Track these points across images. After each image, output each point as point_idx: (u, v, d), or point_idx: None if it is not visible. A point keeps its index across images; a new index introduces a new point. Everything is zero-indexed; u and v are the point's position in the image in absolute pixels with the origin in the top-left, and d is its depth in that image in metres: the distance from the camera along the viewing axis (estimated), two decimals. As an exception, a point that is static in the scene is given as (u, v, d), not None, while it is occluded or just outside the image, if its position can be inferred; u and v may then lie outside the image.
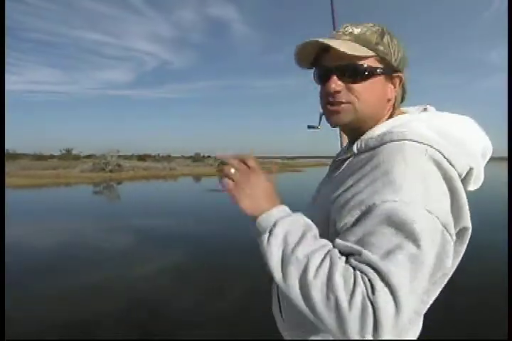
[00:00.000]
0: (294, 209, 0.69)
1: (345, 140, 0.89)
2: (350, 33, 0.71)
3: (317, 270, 0.53)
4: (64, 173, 21.89)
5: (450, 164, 0.62)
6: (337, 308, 0.50)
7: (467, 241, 0.70)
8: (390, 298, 0.49)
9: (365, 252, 0.53)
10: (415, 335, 0.75)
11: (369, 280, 0.50)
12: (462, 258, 0.74)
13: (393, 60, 0.72)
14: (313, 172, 28.02)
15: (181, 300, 3.47)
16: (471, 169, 0.66)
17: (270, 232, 0.61)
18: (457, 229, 0.64)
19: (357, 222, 0.58)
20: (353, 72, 0.70)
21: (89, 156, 42.42)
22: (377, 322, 0.49)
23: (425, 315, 0.77)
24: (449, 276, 0.73)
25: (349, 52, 0.66)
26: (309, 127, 0.89)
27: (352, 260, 0.54)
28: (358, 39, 0.70)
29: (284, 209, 0.66)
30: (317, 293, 0.52)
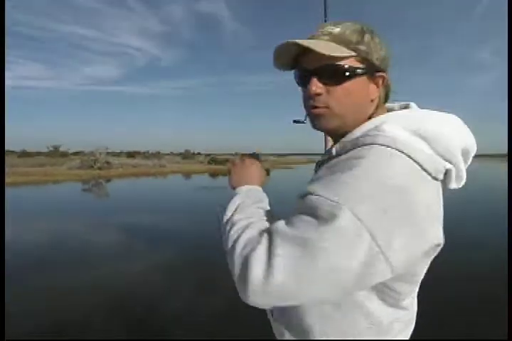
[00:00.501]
0: (286, 204, 0.72)
1: (330, 141, 0.88)
2: (330, 33, 0.68)
3: (239, 229, 0.64)
4: (51, 171, 21.59)
5: (422, 168, 0.59)
6: (231, 256, 0.60)
7: (433, 257, 0.66)
8: (264, 260, 0.53)
9: (278, 222, 0.59)
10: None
11: (259, 240, 0.57)
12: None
13: (375, 59, 0.69)
14: (304, 169, 28.12)
15: (172, 297, 3.46)
16: (448, 170, 0.64)
17: (231, 199, 0.78)
18: (424, 247, 0.58)
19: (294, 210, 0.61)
20: (333, 73, 0.68)
21: (77, 153, 41.99)
22: (248, 276, 0.53)
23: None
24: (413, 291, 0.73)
25: (327, 53, 0.64)
26: (295, 121, 0.88)
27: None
28: (337, 39, 0.68)
29: (253, 187, 0.81)
30: (228, 244, 0.63)
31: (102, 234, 6.43)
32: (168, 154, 59.61)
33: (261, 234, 0.59)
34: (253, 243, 0.57)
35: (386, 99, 0.76)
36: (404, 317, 0.72)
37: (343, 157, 0.64)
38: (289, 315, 0.73)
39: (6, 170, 20.07)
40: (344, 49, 0.67)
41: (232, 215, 0.72)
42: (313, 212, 0.55)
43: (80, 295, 3.46)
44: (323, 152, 0.95)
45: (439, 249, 0.63)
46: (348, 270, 0.52)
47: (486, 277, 3.90)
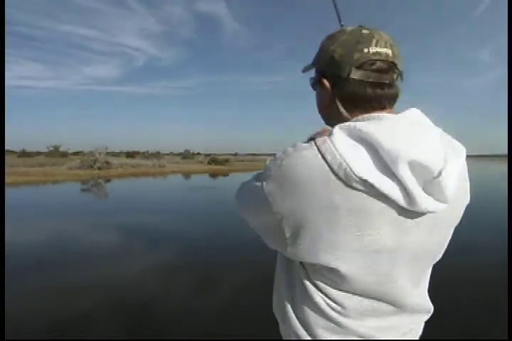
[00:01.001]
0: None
1: None
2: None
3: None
4: (51, 170, 21.57)
5: (332, 171, 0.60)
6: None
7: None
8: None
9: None
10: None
11: None
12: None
13: (322, 65, 0.74)
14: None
15: (171, 297, 3.44)
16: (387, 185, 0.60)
17: None
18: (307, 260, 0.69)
19: None
20: (311, 85, 0.81)
21: (77, 153, 41.96)
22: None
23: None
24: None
25: (302, 69, 0.82)
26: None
27: None
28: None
29: None
30: None
31: (101, 234, 6.40)
32: (167, 154, 59.59)
33: None
34: None
35: (354, 102, 0.71)
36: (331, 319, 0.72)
37: None
38: (281, 309, 0.81)
39: (6, 170, 20.05)
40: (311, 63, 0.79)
41: None
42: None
43: (79, 296, 3.45)
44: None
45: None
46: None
47: (483, 279, 3.89)
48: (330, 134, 0.64)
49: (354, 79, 0.68)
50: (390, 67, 0.69)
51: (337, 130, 0.64)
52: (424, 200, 0.60)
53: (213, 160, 36.29)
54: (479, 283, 3.70)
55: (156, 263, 4.59)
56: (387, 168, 0.59)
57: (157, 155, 43.49)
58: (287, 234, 0.66)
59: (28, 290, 3.58)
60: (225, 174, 25.83)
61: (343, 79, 0.69)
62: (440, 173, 0.60)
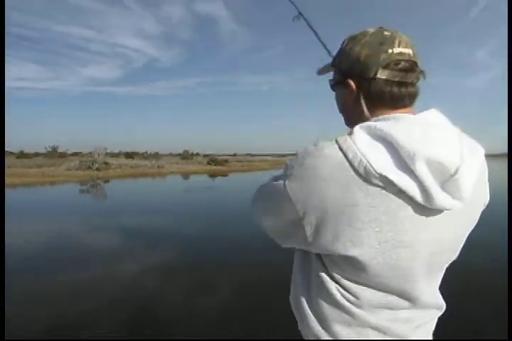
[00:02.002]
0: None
1: None
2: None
3: None
4: (49, 172, 21.51)
5: (353, 168, 0.62)
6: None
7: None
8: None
9: None
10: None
11: None
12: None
13: (345, 66, 0.77)
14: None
15: (171, 298, 3.43)
16: (406, 183, 0.62)
17: None
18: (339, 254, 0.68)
19: None
20: (330, 86, 0.85)
21: (75, 154, 41.87)
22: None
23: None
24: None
25: (317, 71, 0.89)
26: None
27: None
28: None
29: None
30: None
31: (100, 235, 6.37)
32: (166, 155, 59.54)
33: None
34: None
35: (386, 101, 0.74)
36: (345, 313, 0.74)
37: None
38: (296, 307, 0.83)
39: (5, 171, 19.95)
40: (330, 64, 0.84)
41: None
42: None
43: (79, 296, 3.43)
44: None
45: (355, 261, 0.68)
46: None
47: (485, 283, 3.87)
48: (350, 133, 0.67)
49: (381, 78, 0.71)
50: (413, 66, 0.72)
51: (357, 129, 0.67)
52: (440, 197, 0.62)
53: (212, 160, 36.26)
54: (480, 285, 3.71)
55: (155, 264, 4.57)
56: (405, 165, 0.62)
57: (156, 155, 43.42)
58: (308, 232, 0.69)
59: (26, 291, 3.56)
60: (224, 174, 25.82)
61: (370, 79, 0.72)
62: (457, 171, 0.61)
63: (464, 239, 0.77)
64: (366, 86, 0.73)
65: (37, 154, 45.46)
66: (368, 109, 0.75)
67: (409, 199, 0.63)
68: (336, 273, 0.72)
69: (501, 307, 2.96)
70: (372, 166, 0.61)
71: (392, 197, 0.63)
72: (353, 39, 0.76)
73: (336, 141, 0.66)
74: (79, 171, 22.53)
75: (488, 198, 0.77)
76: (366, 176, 0.62)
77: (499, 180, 18.37)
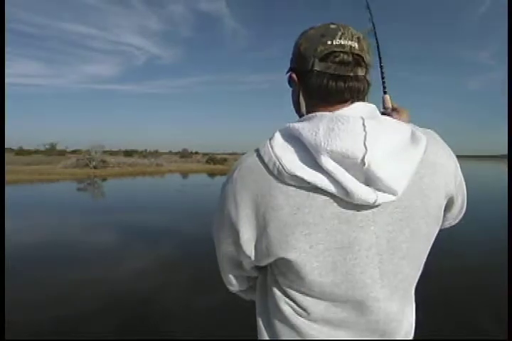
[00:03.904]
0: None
1: None
2: None
3: None
4: (45, 169, 21.33)
5: (267, 169, 0.63)
6: None
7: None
8: None
9: None
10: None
11: None
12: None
13: (291, 60, 0.74)
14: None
15: (171, 296, 3.40)
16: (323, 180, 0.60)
17: None
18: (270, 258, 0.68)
19: None
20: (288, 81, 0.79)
21: (75, 151, 41.78)
22: None
23: None
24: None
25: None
26: None
27: None
28: None
29: None
30: None
31: (97, 233, 6.27)
32: (166, 153, 59.48)
33: None
34: None
35: (320, 97, 0.70)
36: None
37: None
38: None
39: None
40: None
41: None
42: None
43: (78, 295, 3.40)
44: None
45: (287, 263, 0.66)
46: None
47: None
48: (271, 137, 0.66)
49: (317, 71, 0.67)
50: (356, 59, 0.67)
51: (277, 132, 0.67)
52: (361, 191, 0.59)
53: (211, 159, 36.10)
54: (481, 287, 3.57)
55: (153, 262, 4.53)
56: (315, 161, 0.60)
57: (155, 154, 43.27)
58: (245, 246, 0.68)
59: (25, 289, 3.53)
60: (224, 173, 25.69)
61: (308, 71, 0.68)
62: (364, 160, 0.58)
63: (426, 237, 0.69)
64: (305, 79, 0.70)
65: (37, 151, 45.28)
66: (308, 105, 0.72)
67: (332, 197, 0.61)
68: (286, 285, 0.70)
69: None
70: (283, 166, 0.60)
71: (313, 195, 0.61)
72: (301, 34, 0.73)
73: (256, 149, 0.67)
74: (76, 169, 22.35)
75: (454, 190, 0.71)
76: (280, 177, 0.61)
77: (500, 181, 18.34)
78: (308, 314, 0.68)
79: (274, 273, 0.73)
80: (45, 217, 7.74)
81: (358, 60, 0.67)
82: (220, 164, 34.18)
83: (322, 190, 0.60)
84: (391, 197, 0.60)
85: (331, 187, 0.59)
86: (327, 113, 0.64)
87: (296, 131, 0.63)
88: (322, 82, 0.67)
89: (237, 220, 0.66)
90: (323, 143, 0.59)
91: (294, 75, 0.72)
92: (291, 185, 0.61)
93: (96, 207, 9.91)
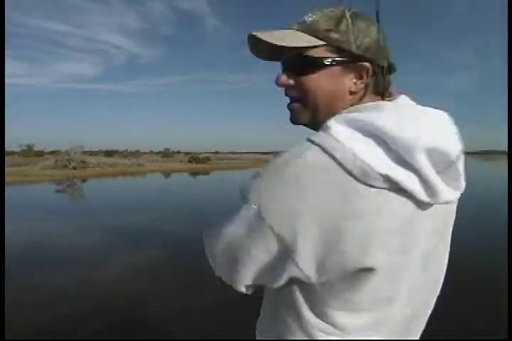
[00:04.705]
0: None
1: None
2: (303, 22, 0.64)
3: None
4: (23, 171, 20.75)
5: (344, 169, 0.51)
6: None
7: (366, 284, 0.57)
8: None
9: None
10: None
11: None
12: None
13: (354, 47, 0.62)
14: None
15: (155, 299, 3.34)
16: (405, 178, 0.52)
17: None
18: (347, 268, 0.54)
19: None
20: (301, 64, 0.65)
21: (53, 152, 40.80)
22: None
23: None
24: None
25: (281, 43, 0.61)
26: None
27: None
28: (307, 28, 0.63)
29: None
30: None
31: (78, 235, 6.14)
32: (147, 153, 58.78)
33: None
34: None
35: (380, 89, 0.67)
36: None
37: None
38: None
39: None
40: (311, 38, 0.63)
41: None
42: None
43: (59, 300, 3.30)
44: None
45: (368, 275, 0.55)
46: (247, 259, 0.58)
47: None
48: (324, 129, 0.57)
49: (385, 69, 0.66)
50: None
51: (333, 123, 0.57)
52: (444, 191, 0.54)
53: (194, 158, 35.83)
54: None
55: (136, 264, 4.45)
56: (401, 159, 0.52)
57: (136, 153, 42.68)
58: (302, 263, 0.54)
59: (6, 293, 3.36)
60: (206, 173, 25.54)
61: (380, 67, 0.65)
62: (458, 158, 0.55)
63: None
64: (376, 73, 0.65)
65: (13, 152, 44.00)
66: (360, 97, 0.65)
67: (410, 197, 0.53)
68: (319, 302, 0.60)
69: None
70: (369, 165, 0.51)
71: (394, 197, 0.53)
72: (359, 18, 0.64)
73: (313, 142, 0.55)
74: (54, 170, 21.83)
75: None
76: (364, 178, 0.51)
77: (483, 178, 18.83)
78: (343, 330, 0.60)
79: (309, 287, 0.60)
80: (22, 220, 7.53)
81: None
82: (202, 163, 33.99)
83: (403, 190, 0.53)
84: (458, 194, 0.58)
85: (417, 189, 0.52)
86: (388, 102, 0.61)
87: (368, 122, 0.54)
88: (386, 78, 0.67)
89: (295, 237, 0.52)
90: (416, 138, 0.51)
91: (368, 65, 0.63)
92: (372, 187, 0.52)
93: (75, 208, 9.70)
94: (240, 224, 0.56)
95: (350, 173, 0.51)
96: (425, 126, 0.54)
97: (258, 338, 0.73)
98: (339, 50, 0.63)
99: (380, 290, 0.58)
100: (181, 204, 9.83)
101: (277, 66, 0.72)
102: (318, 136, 0.55)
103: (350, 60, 0.63)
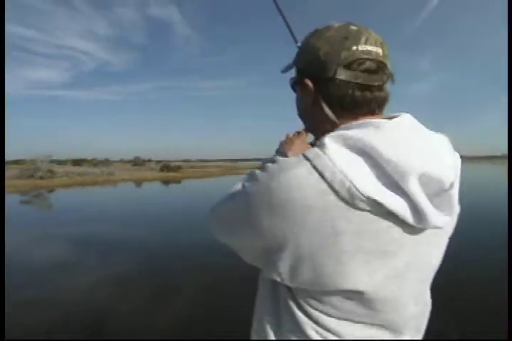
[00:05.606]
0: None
1: None
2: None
3: None
4: (-14, 181, 19.85)
5: (331, 188, 0.51)
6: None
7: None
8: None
9: None
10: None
11: None
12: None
13: (303, 64, 0.67)
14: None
15: (125, 310, 3.27)
16: (393, 201, 0.52)
17: None
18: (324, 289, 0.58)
19: None
20: (290, 86, 0.74)
21: (17, 161, 39.21)
22: None
23: None
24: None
25: (282, 69, 0.74)
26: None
27: None
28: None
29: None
30: None
31: (44, 246, 5.98)
32: (117, 161, 57.51)
33: None
34: None
35: (344, 103, 0.63)
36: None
37: None
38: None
39: None
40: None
41: None
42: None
43: (25, 313, 3.20)
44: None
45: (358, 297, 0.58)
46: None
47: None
48: (320, 146, 0.55)
49: (340, 79, 0.61)
50: (380, 67, 0.62)
51: (329, 140, 0.55)
52: (434, 216, 0.54)
53: (165, 166, 35.44)
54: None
55: (104, 276, 4.34)
56: (393, 183, 0.52)
57: (106, 162, 41.67)
58: (282, 268, 0.58)
59: None
60: (178, 181, 25.30)
61: (328, 79, 0.62)
62: (452, 185, 0.55)
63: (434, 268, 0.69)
64: (324, 87, 0.63)
65: (-28, 162, 41.90)
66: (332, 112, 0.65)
67: (397, 221, 0.54)
68: (314, 308, 0.61)
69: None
70: (357, 188, 0.50)
71: (380, 220, 0.53)
72: (314, 34, 0.65)
73: (306, 157, 0.54)
74: (19, 180, 21.03)
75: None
76: (350, 200, 0.51)
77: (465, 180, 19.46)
78: (339, 337, 0.61)
79: (293, 291, 0.63)
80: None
81: (383, 68, 0.62)
82: (174, 171, 33.65)
83: (390, 213, 0.53)
84: (449, 219, 0.58)
85: (406, 213, 0.53)
86: (387, 121, 0.57)
87: (363, 142, 0.53)
88: (347, 91, 0.61)
89: (273, 238, 0.56)
90: (410, 163, 0.51)
91: (308, 82, 0.65)
92: (357, 209, 0.52)
93: (42, 219, 9.39)
94: (230, 216, 0.63)
95: (336, 194, 0.51)
96: (420, 151, 0.53)
97: (254, 338, 0.73)
98: (297, 69, 0.70)
99: (361, 307, 0.59)
100: (153, 213, 9.71)
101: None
102: (312, 152, 0.54)
103: (299, 77, 0.68)
